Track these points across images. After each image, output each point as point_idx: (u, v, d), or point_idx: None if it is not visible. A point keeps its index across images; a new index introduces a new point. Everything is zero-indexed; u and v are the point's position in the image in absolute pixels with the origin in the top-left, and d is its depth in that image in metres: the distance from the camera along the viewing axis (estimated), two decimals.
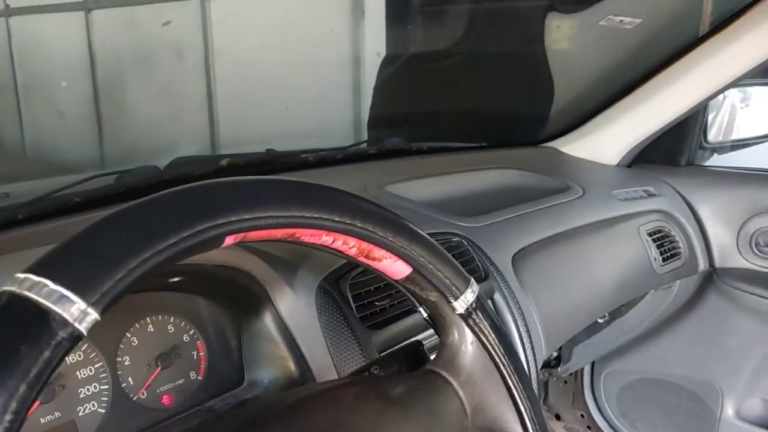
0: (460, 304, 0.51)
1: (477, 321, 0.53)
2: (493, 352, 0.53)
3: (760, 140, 1.59)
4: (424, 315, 0.54)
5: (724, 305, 1.47)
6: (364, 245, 0.45)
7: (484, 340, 0.53)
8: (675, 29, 1.40)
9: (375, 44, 3.27)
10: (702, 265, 1.46)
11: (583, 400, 1.77)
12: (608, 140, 1.52)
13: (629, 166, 1.57)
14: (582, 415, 1.78)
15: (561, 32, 1.83)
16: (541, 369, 1.60)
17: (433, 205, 1.11)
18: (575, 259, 1.20)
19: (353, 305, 0.75)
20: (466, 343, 0.53)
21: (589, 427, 1.78)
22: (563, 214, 1.22)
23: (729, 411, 1.53)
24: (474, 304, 0.52)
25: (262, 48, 3.40)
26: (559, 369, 1.59)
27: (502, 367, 0.54)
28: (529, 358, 0.97)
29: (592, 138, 1.54)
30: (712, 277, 1.47)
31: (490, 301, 0.95)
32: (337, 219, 0.43)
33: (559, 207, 1.24)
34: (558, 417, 1.85)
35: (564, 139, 1.59)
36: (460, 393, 0.52)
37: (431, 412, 0.49)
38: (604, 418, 1.76)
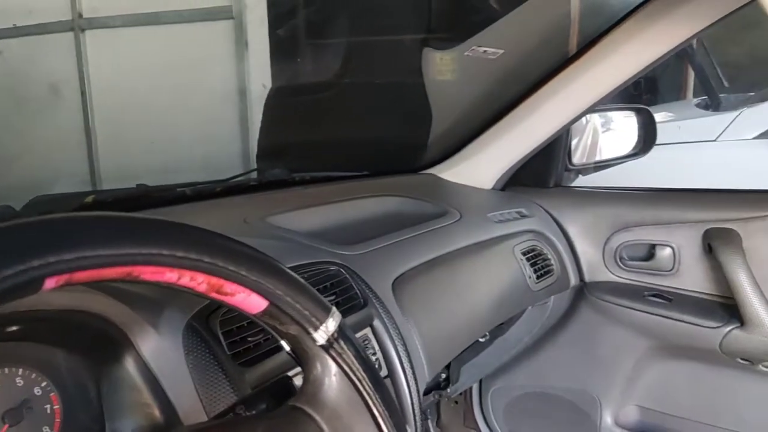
0: (321, 335, 0.51)
1: (340, 351, 0.53)
2: (357, 383, 0.53)
3: (619, 161, 1.71)
4: (287, 349, 0.54)
5: (596, 317, 1.55)
6: (214, 280, 0.44)
7: (348, 370, 0.53)
8: (536, 59, 1.49)
9: (260, 76, 3.26)
10: (573, 280, 1.54)
11: (473, 418, 1.80)
12: (483, 165, 1.59)
13: (503, 189, 1.64)
14: None
15: (439, 64, 1.90)
16: (431, 391, 1.63)
17: (315, 235, 1.11)
18: (454, 282, 1.23)
19: (224, 343, 0.72)
20: (330, 375, 0.53)
21: None
22: (441, 238, 1.26)
23: (608, 419, 1.62)
24: (336, 334, 0.52)
25: (144, 82, 3.30)
26: (449, 390, 1.62)
27: (367, 397, 0.54)
28: (411, 383, 0.98)
29: (468, 164, 1.60)
30: (583, 291, 1.56)
31: (370, 329, 0.96)
32: (180, 254, 0.41)
33: (438, 231, 1.27)
34: None
35: (442, 165, 1.64)
36: (325, 428, 0.52)
37: None
38: None
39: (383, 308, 0.99)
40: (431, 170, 1.65)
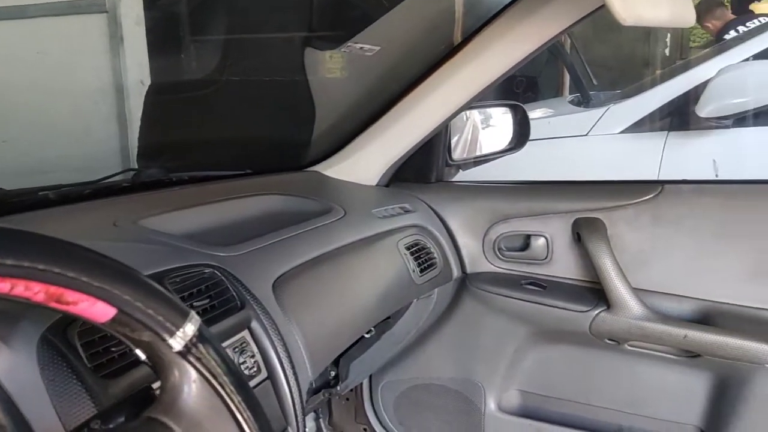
0: (177, 341, 0.49)
1: (200, 357, 0.51)
2: (219, 388, 0.52)
3: (497, 155, 1.78)
4: (142, 358, 0.51)
5: (477, 307, 1.61)
6: (53, 289, 0.41)
7: (208, 376, 0.51)
8: (415, 56, 1.52)
9: (138, 72, 3.12)
10: (456, 272, 1.59)
11: (364, 413, 1.82)
12: (366, 162, 1.60)
13: (387, 185, 1.66)
14: (365, 429, 1.83)
15: (321, 62, 1.90)
16: (321, 390, 1.62)
17: (191, 237, 1.07)
18: (338, 279, 1.23)
19: (83, 355, 0.68)
20: (189, 382, 0.51)
21: None
22: (325, 236, 1.25)
23: (491, 405, 1.68)
24: (195, 339, 0.51)
25: (10, 78, 3.06)
26: (339, 387, 1.62)
27: (230, 403, 0.52)
28: (292, 383, 0.97)
29: (352, 160, 1.60)
30: (465, 282, 1.60)
31: (248, 331, 0.94)
32: (10, 263, 0.38)
33: (321, 229, 1.26)
34: None
35: (326, 162, 1.64)
36: None
37: None
38: (384, 428, 1.82)
39: (262, 309, 0.97)
40: (315, 168, 1.64)
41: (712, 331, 1.35)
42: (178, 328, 0.49)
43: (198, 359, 0.51)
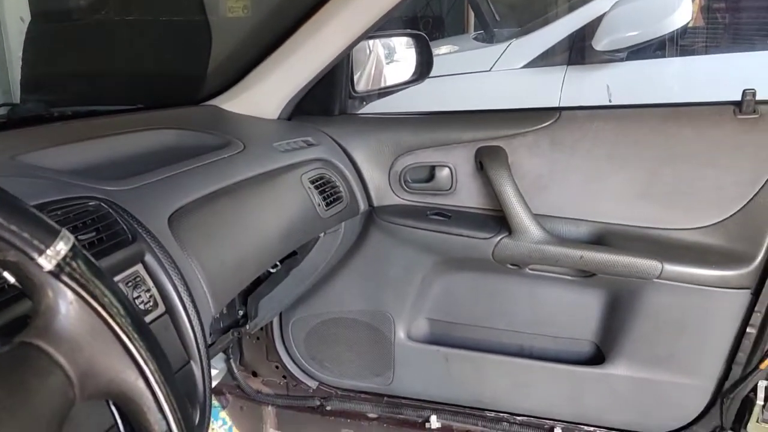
0: (48, 261, 0.45)
1: (76, 277, 0.47)
2: (99, 308, 0.48)
3: (401, 87, 1.76)
4: (12, 281, 0.47)
5: (385, 240, 1.61)
6: None
7: (86, 296, 0.48)
8: None
9: (17, 8, 2.86)
10: (362, 206, 1.58)
11: (275, 351, 1.81)
12: (265, 95, 1.54)
13: (289, 118, 1.61)
14: (276, 366, 1.83)
15: None
16: (230, 329, 1.60)
17: (76, 173, 1.00)
18: (239, 213, 1.19)
19: None
20: (66, 303, 0.47)
21: (284, 377, 1.84)
22: (224, 170, 1.20)
23: (401, 334, 1.71)
24: (69, 259, 0.47)
25: None
26: (248, 326, 1.59)
27: (113, 323, 0.49)
28: (193, 318, 0.94)
29: (250, 93, 1.54)
30: (372, 215, 1.60)
31: (141, 265, 0.89)
32: None
33: (219, 163, 1.21)
34: (255, 374, 1.87)
35: (223, 96, 1.57)
36: (62, 361, 0.46)
37: (17, 390, 0.42)
38: (296, 364, 1.83)
39: (156, 243, 0.93)
40: (211, 102, 1.56)
41: (605, 251, 1.42)
42: (47, 247, 0.45)
43: (74, 279, 0.47)
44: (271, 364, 1.84)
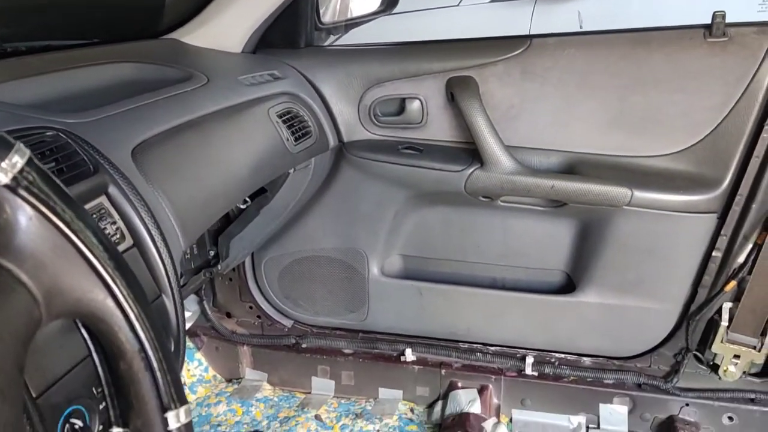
0: (4, 173, 0.42)
1: (34, 191, 0.45)
2: (61, 224, 0.46)
3: (369, 17, 1.70)
4: None
5: (356, 175, 1.59)
6: None
7: (46, 211, 0.45)
8: None
9: None
10: (332, 141, 1.55)
11: (249, 292, 1.80)
12: (227, 27, 1.48)
13: (254, 51, 1.56)
14: (250, 307, 1.83)
15: None
16: (201, 270, 1.58)
17: (33, 106, 0.95)
18: (205, 148, 1.16)
19: None
20: (25, 218, 0.45)
21: (258, 317, 1.84)
22: (187, 103, 1.16)
23: (374, 270, 1.71)
24: (25, 173, 0.44)
25: None
26: (220, 267, 1.58)
27: (77, 240, 0.47)
28: (163, 252, 0.92)
29: (211, 26, 1.48)
30: (342, 151, 1.58)
31: (105, 197, 0.86)
32: None
33: (182, 96, 1.17)
34: (229, 315, 1.86)
35: (184, 29, 1.51)
36: (24, 279, 0.44)
37: None
38: (270, 304, 1.83)
39: (120, 175, 0.90)
40: (171, 35, 1.50)
41: (576, 180, 1.42)
42: (1, 159, 0.42)
43: (32, 194, 0.44)
44: (245, 305, 1.83)
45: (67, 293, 0.47)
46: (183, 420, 0.50)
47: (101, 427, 0.82)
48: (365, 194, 1.62)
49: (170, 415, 0.50)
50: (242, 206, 1.54)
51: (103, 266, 0.48)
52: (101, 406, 0.82)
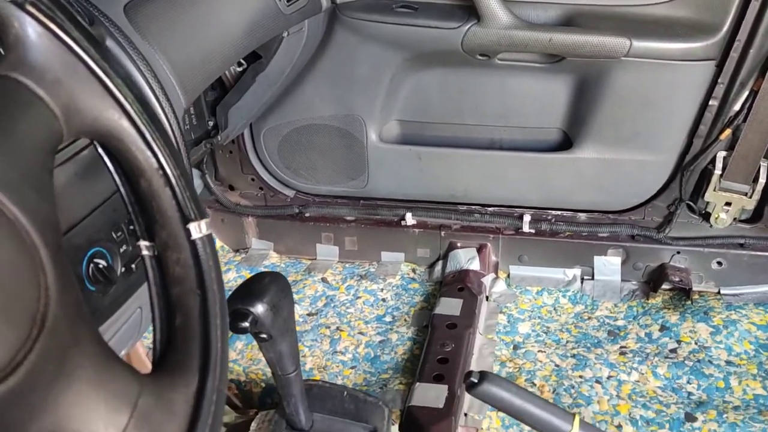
0: None
1: (42, 8, 0.45)
2: (71, 42, 0.47)
3: None
4: None
5: (352, 38, 1.57)
6: None
7: (55, 28, 0.46)
8: None
9: None
10: (325, 2, 1.51)
11: (250, 164, 1.82)
12: None
13: None
14: (252, 179, 1.86)
15: None
16: (201, 141, 1.59)
17: None
18: (198, 5, 1.13)
19: None
20: (35, 35, 0.45)
21: (261, 188, 1.87)
22: None
23: (373, 136, 1.72)
24: None
25: None
26: (219, 137, 1.59)
27: (88, 60, 0.48)
28: (165, 105, 0.93)
29: None
30: (336, 12, 1.54)
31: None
32: None
33: None
34: (231, 188, 1.89)
35: None
36: (42, 94, 0.45)
37: (1, 119, 0.42)
38: (272, 175, 1.85)
39: (116, 29, 0.89)
40: None
41: (573, 32, 1.40)
42: None
43: (40, 10, 0.45)
44: (247, 177, 1.86)
45: (84, 112, 0.48)
46: (204, 231, 0.53)
47: (123, 269, 0.87)
48: (361, 58, 1.60)
49: (192, 226, 0.53)
50: (239, 69, 1.52)
51: (115, 86, 0.49)
52: (122, 249, 0.86)
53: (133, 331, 0.99)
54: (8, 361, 0.37)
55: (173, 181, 0.53)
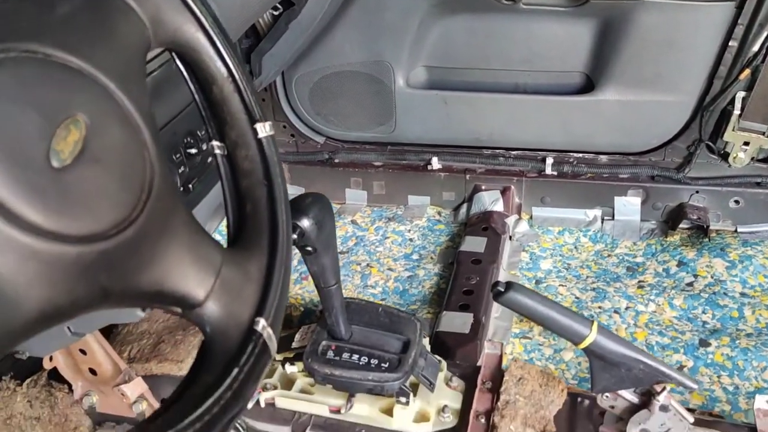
0: None
1: None
2: None
3: None
4: None
5: None
6: None
7: None
8: None
9: None
10: None
11: (282, 111, 1.90)
12: None
13: None
14: (284, 126, 1.93)
15: None
16: None
17: None
18: None
19: None
20: None
21: (292, 135, 1.95)
22: None
23: (400, 82, 1.78)
24: None
25: None
26: (255, 82, 1.66)
27: None
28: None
29: None
30: None
31: None
32: None
33: None
34: None
35: None
36: (133, 5, 0.53)
37: (105, 22, 0.50)
38: (303, 122, 1.93)
39: None
40: None
41: None
42: None
43: None
44: (279, 124, 1.93)
45: (167, 24, 0.56)
46: (268, 131, 0.61)
47: (181, 188, 0.96)
48: (390, 3, 1.65)
49: (258, 126, 0.61)
50: (274, 14, 1.59)
51: (193, 3, 0.57)
52: (180, 170, 0.95)
53: None
54: (126, 216, 0.46)
55: (241, 87, 0.60)
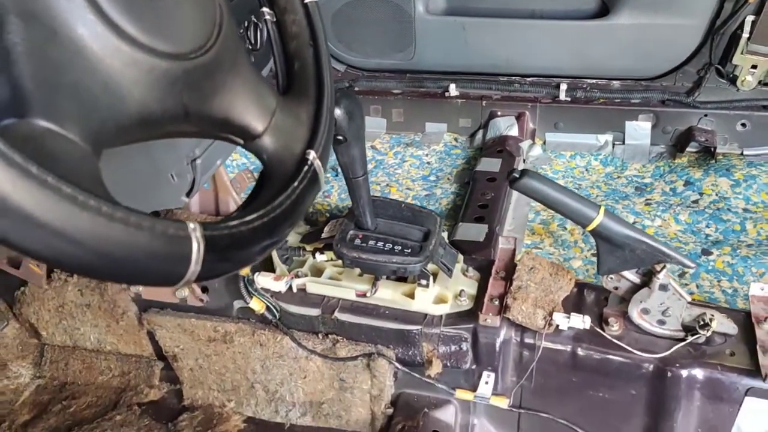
0: None
1: None
2: None
3: None
4: None
5: None
6: None
7: None
8: None
9: None
10: None
11: None
12: None
13: None
14: None
15: None
16: None
17: None
18: None
19: None
20: None
21: None
22: None
23: (420, 8, 1.84)
24: None
25: None
26: None
27: None
28: None
29: None
30: None
31: None
32: None
33: None
34: None
35: None
36: None
37: None
38: None
39: None
40: None
41: None
42: None
43: None
44: None
45: None
46: None
47: None
48: None
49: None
50: None
51: None
52: None
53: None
54: (203, 44, 0.54)
55: None
